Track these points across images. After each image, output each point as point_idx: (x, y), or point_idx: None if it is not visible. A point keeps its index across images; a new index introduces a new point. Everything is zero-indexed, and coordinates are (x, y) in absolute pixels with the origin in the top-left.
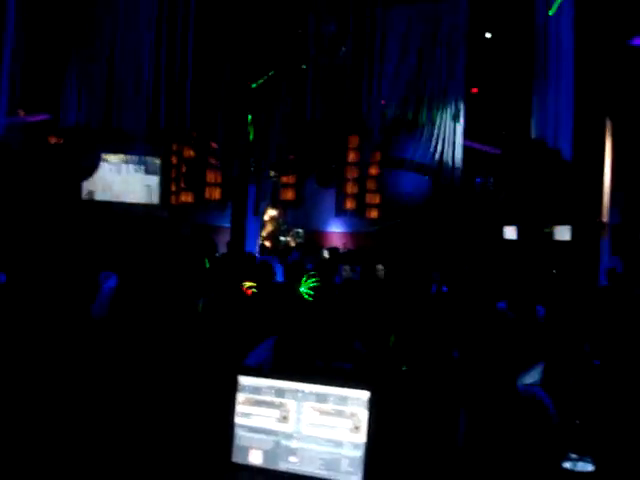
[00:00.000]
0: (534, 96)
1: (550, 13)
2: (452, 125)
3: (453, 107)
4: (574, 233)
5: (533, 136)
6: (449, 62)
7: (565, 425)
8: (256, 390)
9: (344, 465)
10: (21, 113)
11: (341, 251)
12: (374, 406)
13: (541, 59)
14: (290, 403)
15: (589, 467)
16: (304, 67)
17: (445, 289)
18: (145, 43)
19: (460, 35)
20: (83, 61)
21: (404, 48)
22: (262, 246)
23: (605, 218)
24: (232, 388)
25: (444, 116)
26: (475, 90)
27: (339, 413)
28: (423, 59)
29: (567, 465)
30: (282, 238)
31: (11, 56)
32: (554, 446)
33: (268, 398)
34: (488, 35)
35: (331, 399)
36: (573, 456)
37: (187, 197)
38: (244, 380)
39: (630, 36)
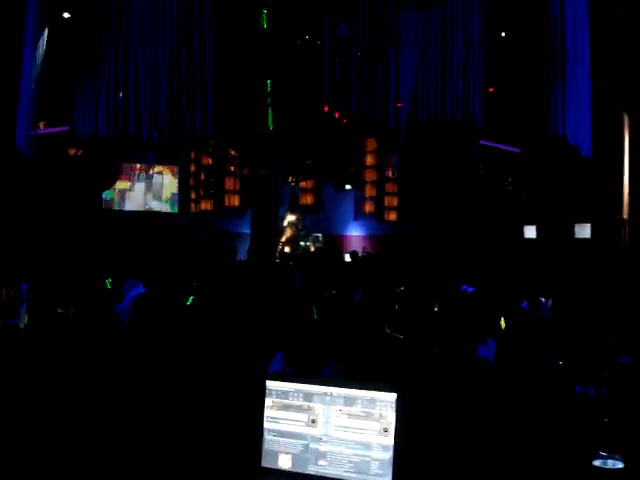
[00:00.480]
0: (552, 94)
1: None
2: (470, 125)
3: (471, 106)
4: (594, 230)
5: (552, 134)
6: (466, 62)
7: (594, 423)
8: (284, 394)
9: (373, 467)
10: (41, 125)
11: (360, 255)
12: (402, 408)
13: (557, 56)
14: (318, 406)
15: (619, 464)
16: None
17: (470, 289)
18: (163, 52)
19: (476, 35)
20: (98, 71)
21: (420, 50)
22: (281, 252)
23: (625, 214)
24: (260, 393)
25: (462, 116)
26: (491, 89)
27: (367, 415)
28: (439, 60)
29: (597, 463)
30: (302, 243)
31: (30, 70)
32: (584, 444)
33: (296, 402)
34: (503, 34)
35: (359, 402)
36: (603, 454)
37: (207, 205)
38: (272, 384)
39: None
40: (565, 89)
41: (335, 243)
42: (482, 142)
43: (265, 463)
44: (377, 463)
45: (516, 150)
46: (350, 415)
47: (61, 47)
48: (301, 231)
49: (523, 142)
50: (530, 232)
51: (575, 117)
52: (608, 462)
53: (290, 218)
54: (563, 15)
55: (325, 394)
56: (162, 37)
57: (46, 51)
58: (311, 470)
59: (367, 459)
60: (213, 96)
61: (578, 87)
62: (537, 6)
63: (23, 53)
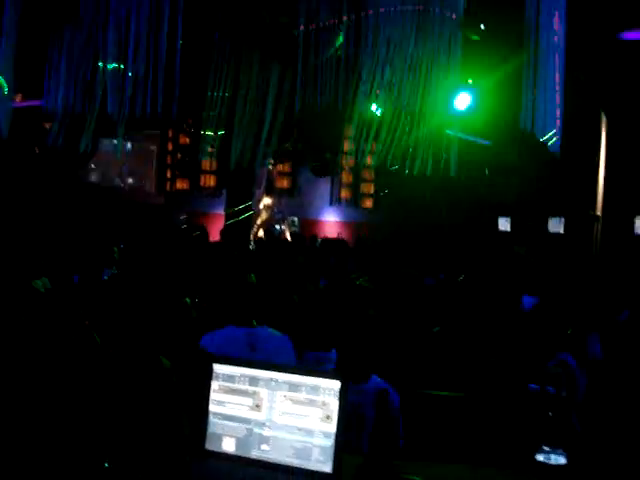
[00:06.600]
0: (523, 89)
1: None
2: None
3: (446, 97)
4: (567, 225)
5: (522, 128)
6: (443, 53)
7: (538, 417)
8: (230, 378)
9: (315, 454)
10: (17, 99)
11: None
12: (345, 396)
13: (531, 51)
14: (263, 392)
15: (562, 460)
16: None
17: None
18: (136, 25)
19: (455, 27)
20: (71, 44)
21: (397, 38)
22: (256, 235)
23: (599, 211)
24: (207, 376)
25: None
26: (469, 81)
27: (311, 402)
28: (417, 49)
29: (540, 458)
30: (277, 226)
31: (5, 41)
32: (527, 439)
33: (242, 386)
34: (482, 27)
35: (303, 388)
36: (546, 449)
37: (182, 184)
38: (218, 368)
39: (622, 29)
40: (537, 84)
41: (310, 227)
42: (455, 133)
43: (209, 446)
44: (318, 450)
45: (487, 142)
46: (294, 401)
47: (35, 16)
48: (276, 214)
49: (493, 135)
50: (504, 224)
51: (545, 113)
52: (551, 457)
53: (266, 201)
54: (538, 9)
55: (270, 379)
56: (135, 13)
57: (21, 21)
58: (254, 454)
59: (309, 445)
60: (188, 73)
61: (549, 82)
62: (512, 1)
63: (2, 19)
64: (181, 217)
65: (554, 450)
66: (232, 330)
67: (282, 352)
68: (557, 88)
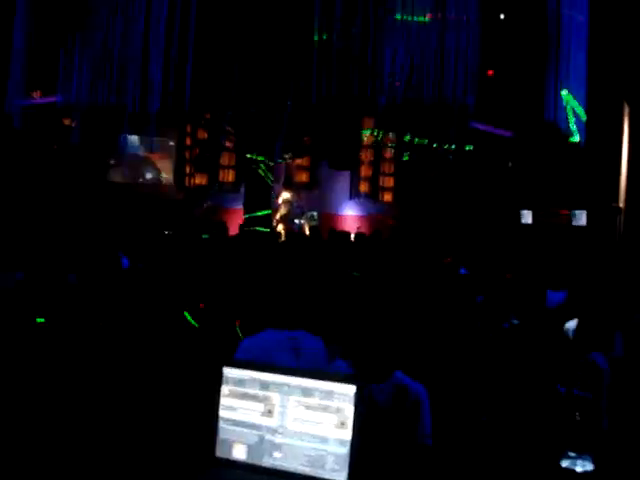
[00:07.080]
0: (546, 79)
1: None
2: (464, 107)
3: (466, 89)
4: (590, 218)
5: (545, 119)
6: (462, 43)
7: (564, 421)
8: (240, 382)
9: (329, 462)
10: (36, 95)
11: (354, 234)
12: (360, 401)
13: (554, 41)
14: (275, 396)
15: (588, 466)
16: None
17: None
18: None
19: (473, 15)
20: (87, 40)
21: (415, 29)
22: (275, 230)
23: (622, 203)
24: (217, 380)
25: (455, 97)
26: (490, 72)
27: (325, 408)
28: (435, 40)
29: (566, 464)
30: (296, 221)
31: (23, 38)
32: (552, 444)
33: (253, 391)
34: (502, 16)
35: (317, 393)
36: (571, 454)
37: (201, 179)
38: (228, 372)
39: None
40: (560, 75)
41: (330, 221)
42: (476, 125)
43: (219, 453)
44: (333, 458)
45: (508, 134)
46: (307, 407)
47: (53, 13)
48: (296, 209)
49: (516, 126)
50: (526, 218)
51: (568, 104)
52: (577, 463)
53: (285, 195)
54: None
55: (283, 384)
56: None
57: (40, 18)
58: (266, 462)
59: (323, 453)
60: (207, 69)
61: (572, 74)
62: None
63: (15, 20)
64: (204, 204)
65: (580, 456)
66: (274, 334)
67: (321, 356)
68: (580, 80)
